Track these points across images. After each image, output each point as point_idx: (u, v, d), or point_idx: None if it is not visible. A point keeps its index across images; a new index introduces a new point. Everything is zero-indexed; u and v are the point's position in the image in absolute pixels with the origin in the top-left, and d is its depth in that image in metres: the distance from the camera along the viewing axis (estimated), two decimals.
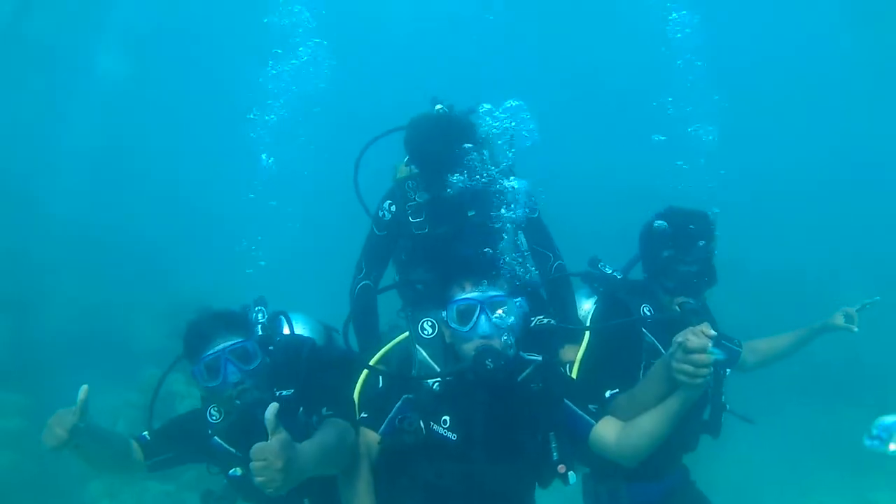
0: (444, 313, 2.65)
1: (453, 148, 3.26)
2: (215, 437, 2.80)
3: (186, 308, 6.52)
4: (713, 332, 2.25)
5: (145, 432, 3.03)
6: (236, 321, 2.84)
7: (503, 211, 3.31)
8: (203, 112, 13.80)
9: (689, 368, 2.25)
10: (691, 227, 3.01)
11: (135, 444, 2.98)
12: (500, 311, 2.57)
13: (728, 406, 3.06)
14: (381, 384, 2.89)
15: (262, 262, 7.59)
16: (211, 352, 2.69)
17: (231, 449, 2.80)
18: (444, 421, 2.63)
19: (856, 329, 3.43)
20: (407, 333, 2.98)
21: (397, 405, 2.69)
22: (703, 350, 2.22)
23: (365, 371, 2.93)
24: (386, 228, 3.65)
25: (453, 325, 2.60)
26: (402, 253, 3.76)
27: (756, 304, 7.53)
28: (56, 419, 2.51)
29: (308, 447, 2.25)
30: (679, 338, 2.29)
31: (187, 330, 2.81)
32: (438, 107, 3.78)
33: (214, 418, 2.86)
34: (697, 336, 2.25)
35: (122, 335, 8.88)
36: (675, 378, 2.34)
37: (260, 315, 3.12)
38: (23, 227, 9.42)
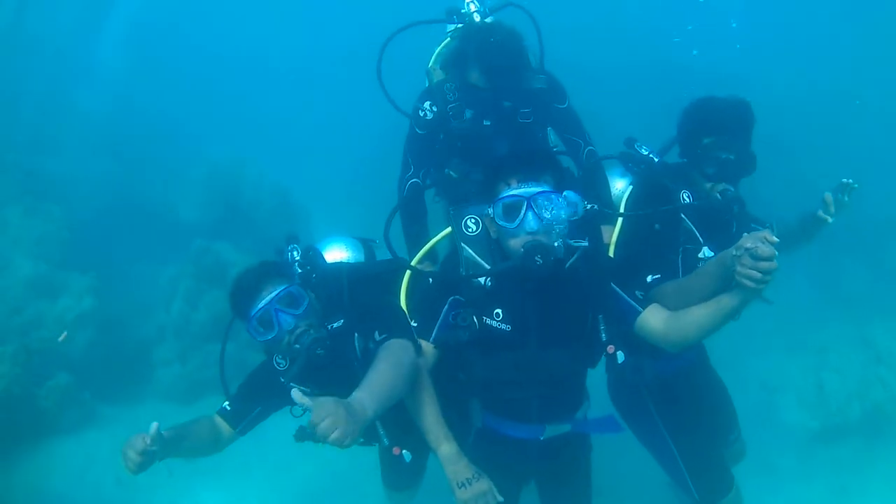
0: (489, 209, 2.62)
1: (518, 68, 3.49)
2: (291, 384, 2.72)
3: (222, 176, 8.38)
4: (776, 239, 2.24)
5: (225, 403, 3.06)
6: (274, 269, 2.86)
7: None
8: None
9: (757, 275, 2.25)
10: (733, 115, 3.04)
11: (218, 420, 3.04)
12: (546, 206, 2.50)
13: None
14: (430, 283, 2.91)
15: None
16: (259, 306, 2.71)
17: (307, 389, 2.72)
18: (497, 314, 2.66)
19: (830, 220, 3.21)
20: (446, 231, 3.02)
21: (445, 307, 2.72)
22: (772, 258, 2.22)
23: (408, 273, 2.97)
24: (427, 127, 3.71)
25: (500, 222, 2.57)
26: (439, 150, 3.82)
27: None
28: (129, 445, 2.46)
29: (359, 394, 2.18)
30: (747, 244, 2.26)
31: (232, 291, 2.82)
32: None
33: (282, 366, 2.87)
34: (765, 244, 2.23)
35: (166, 208, 9.07)
36: (733, 279, 2.35)
37: (294, 253, 3.09)
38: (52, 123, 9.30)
